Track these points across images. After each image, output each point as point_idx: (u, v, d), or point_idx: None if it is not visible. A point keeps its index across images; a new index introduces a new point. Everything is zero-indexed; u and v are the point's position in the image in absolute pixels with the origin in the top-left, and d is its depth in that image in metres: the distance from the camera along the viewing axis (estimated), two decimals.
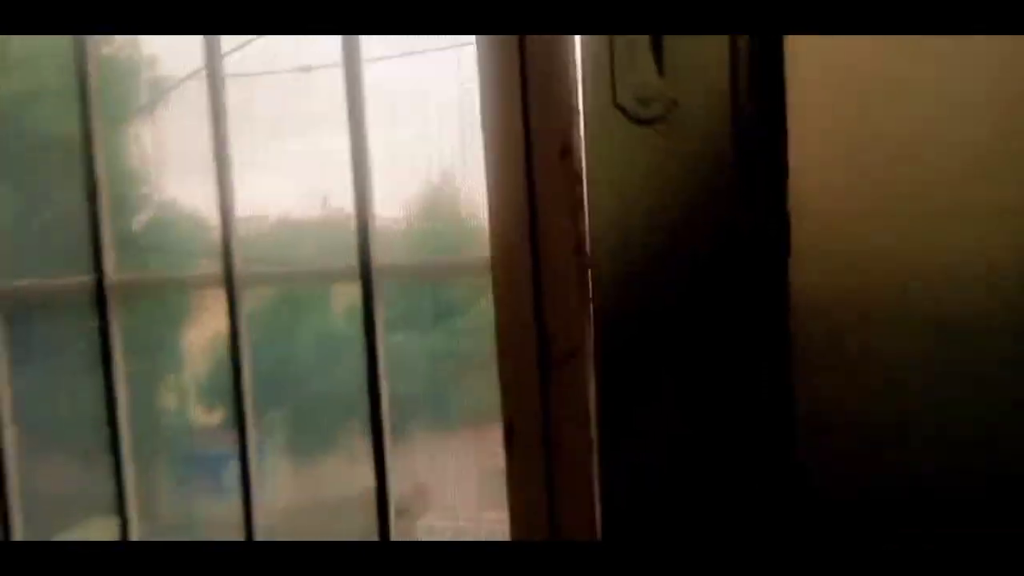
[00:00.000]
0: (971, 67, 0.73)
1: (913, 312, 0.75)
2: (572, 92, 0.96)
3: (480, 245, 1.20)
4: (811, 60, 0.75)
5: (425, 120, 1.35)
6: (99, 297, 1.20)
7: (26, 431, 1.28)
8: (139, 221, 1.27)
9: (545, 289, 1.00)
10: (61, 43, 1.15)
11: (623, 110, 0.78)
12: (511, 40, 0.98)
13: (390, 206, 1.28)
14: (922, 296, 0.75)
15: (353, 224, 1.22)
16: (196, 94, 1.16)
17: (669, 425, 0.81)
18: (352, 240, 1.22)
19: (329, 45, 1.21)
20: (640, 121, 0.77)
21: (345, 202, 1.18)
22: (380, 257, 1.22)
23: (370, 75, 1.21)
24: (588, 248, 0.87)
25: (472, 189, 1.27)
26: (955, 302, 0.74)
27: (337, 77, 1.22)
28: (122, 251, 1.21)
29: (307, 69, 1.41)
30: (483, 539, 1.31)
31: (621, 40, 0.78)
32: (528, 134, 1.00)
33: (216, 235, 1.15)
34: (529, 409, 1.01)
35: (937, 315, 0.74)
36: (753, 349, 0.77)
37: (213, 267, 1.17)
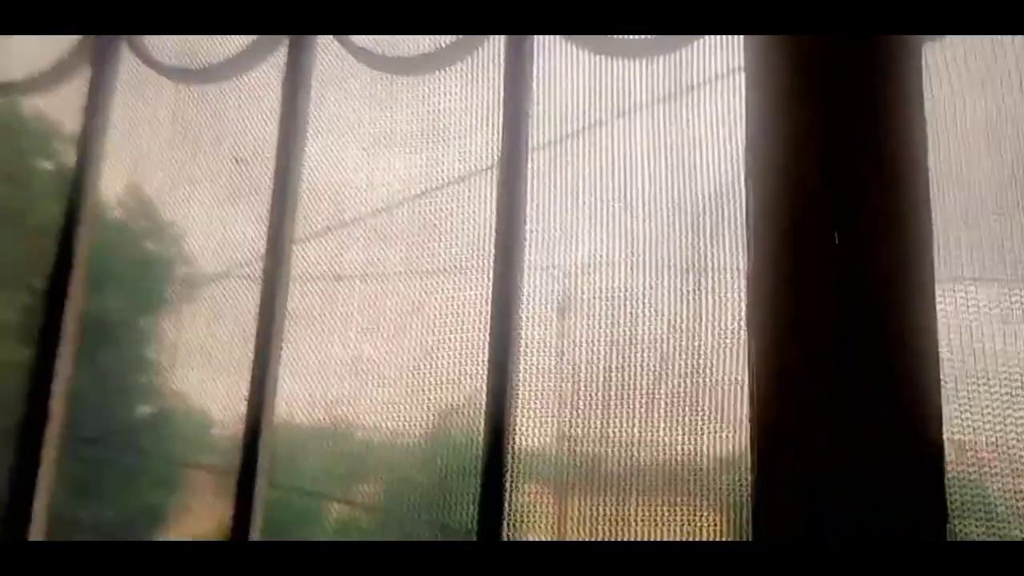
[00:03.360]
0: None
1: None
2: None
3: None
4: None
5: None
6: None
7: None
8: (144, 409, 1.26)
9: None
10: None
11: None
12: None
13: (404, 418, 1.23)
14: None
15: (356, 435, 1.18)
16: (220, 293, 1.20)
17: None
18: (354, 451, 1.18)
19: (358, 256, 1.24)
20: None
21: (348, 411, 1.15)
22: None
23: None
24: None
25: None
26: None
27: (368, 288, 1.23)
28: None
29: (339, 278, 1.44)
30: None
31: None
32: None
33: (214, 430, 1.12)
34: None
35: None
36: None
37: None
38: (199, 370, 1.23)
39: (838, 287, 0.88)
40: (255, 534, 1.04)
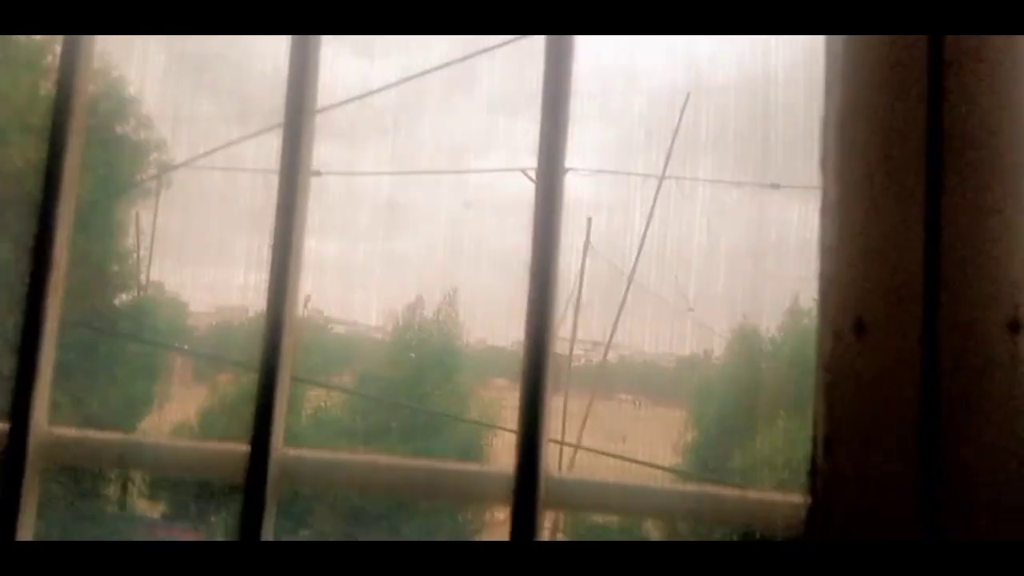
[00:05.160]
0: None
1: None
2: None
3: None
4: None
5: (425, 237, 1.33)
6: None
7: None
8: (122, 298, 1.26)
9: None
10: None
11: None
12: None
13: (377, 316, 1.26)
14: None
15: (331, 329, 1.20)
16: (195, 180, 1.18)
17: None
18: (330, 344, 1.20)
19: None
20: None
21: (325, 305, 1.17)
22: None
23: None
24: None
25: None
26: None
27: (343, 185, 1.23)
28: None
29: (317, 174, 1.43)
30: None
31: None
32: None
33: (192, 320, 1.13)
34: None
35: None
36: None
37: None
38: (176, 259, 1.23)
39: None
40: (278, 428, 1.06)
